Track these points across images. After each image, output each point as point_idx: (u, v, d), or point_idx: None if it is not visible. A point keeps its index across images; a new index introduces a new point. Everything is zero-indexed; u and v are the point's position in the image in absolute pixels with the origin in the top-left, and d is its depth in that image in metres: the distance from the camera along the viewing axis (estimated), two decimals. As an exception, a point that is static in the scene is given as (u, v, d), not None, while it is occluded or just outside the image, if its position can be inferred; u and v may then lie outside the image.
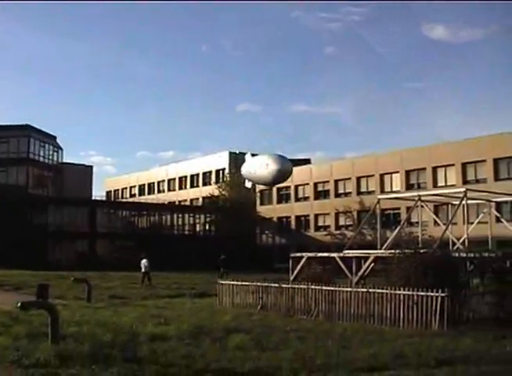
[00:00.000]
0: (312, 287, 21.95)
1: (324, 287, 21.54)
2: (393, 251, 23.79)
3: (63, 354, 12.26)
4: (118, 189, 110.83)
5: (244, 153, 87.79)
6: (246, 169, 61.09)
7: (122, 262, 63.48)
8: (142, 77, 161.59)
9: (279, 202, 79.12)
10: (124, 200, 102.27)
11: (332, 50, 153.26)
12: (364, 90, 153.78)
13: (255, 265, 56.28)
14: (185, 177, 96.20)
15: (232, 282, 25.58)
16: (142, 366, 11.63)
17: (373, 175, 68.04)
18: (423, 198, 31.47)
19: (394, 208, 59.27)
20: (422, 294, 18.44)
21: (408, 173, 64.77)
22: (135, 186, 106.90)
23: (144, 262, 40.20)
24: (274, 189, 77.35)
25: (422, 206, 31.77)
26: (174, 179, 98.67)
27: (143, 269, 40.08)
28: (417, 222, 37.05)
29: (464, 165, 59.32)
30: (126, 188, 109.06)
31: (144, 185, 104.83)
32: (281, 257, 56.86)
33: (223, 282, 25.87)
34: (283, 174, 60.11)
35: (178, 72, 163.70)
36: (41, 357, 12.06)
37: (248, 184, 62.36)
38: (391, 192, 59.91)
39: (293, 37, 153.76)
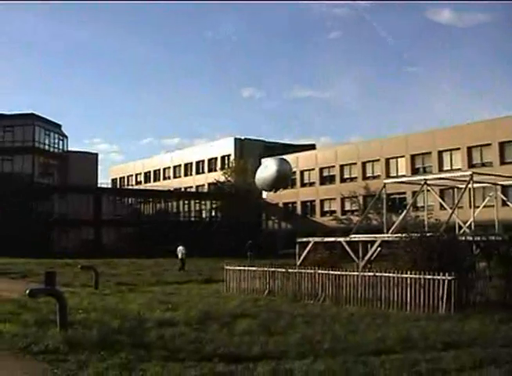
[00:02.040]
0: (319, 271, 21.99)
1: (331, 272, 21.57)
2: (399, 235, 23.81)
3: (71, 340, 12.30)
4: (124, 177, 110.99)
5: (249, 139, 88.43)
6: (257, 176, 62.60)
7: (128, 249, 63.76)
8: (147, 63, 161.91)
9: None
10: (130, 187, 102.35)
11: (336, 35, 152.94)
12: (368, 74, 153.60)
13: (262, 250, 56.27)
14: (191, 163, 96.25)
15: (239, 267, 25.64)
16: (150, 352, 11.68)
17: (378, 160, 68.05)
18: (429, 182, 31.43)
19: (400, 193, 59.31)
20: (429, 277, 18.44)
21: (413, 157, 64.72)
22: (140, 174, 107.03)
23: (181, 248, 41.88)
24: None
25: (428, 190, 31.72)
26: (179, 166, 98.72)
27: (180, 256, 41.69)
28: (423, 206, 37.12)
29: (470, 149, 59.23)
30: (131, 175, 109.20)
31: (149, 172, 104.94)
32: (287, 242, 56.92)
33: (230, 268, 25.91)
34: (282, 175, 61.32)
35: (183, 58, 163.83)
36: (49, 344, 12.10)
37: (264, 194, 63.66)
38: (397, 176, 59.80)
39: (298, 22, 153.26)
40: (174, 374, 9.98)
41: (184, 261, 41.36)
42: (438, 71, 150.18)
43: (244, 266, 25.82)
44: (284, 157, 72.88)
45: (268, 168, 66.29)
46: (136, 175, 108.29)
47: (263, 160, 67.03)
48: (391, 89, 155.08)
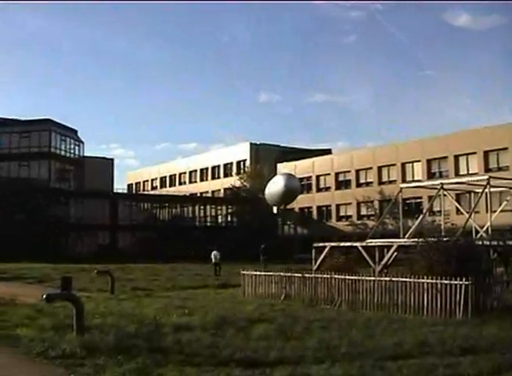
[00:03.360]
0: (335, 276, 21.94)
1: (347, 277, 21.52)
2: (416, 239, 23.73)
3: (88, 345, 12.35)
4: (140, 182, 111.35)
5: (265, 144, 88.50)
6: (266, 191, 63.47)
7: (143, 254, 63.86)
8: (162, 69, 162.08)
9: (300, 193, 79.01)
10: (146, 192, 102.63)
11: (352, 39, 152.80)
12: (384, 78, 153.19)
13: (277, 255, 56.22)
14: (207, 169, 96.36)
15: (256, 272, 25.63)
16: (167, 356, 11.70)
17: (394, 165, 67.79)
18: (445, 186, 31.31)
19: (416, 197, 59.10)
20: (446, 282, 18.35)
21: (429, 162, 64.43)
22: (156, 179, 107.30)
23: (215, 253, 42.31)
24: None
25: (444, 194, 31.61)
26: (195, 171, 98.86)
27: (213, 260, 42.15)
28: (439, 211, 36.98)
29: (486, 153, 58.87)
30: (147, 180, 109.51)
31: (165, 177, 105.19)
32: (303, 247, 56.83)
33: (246, 272, 25.90)
34: (289, 190, 61.99)
35: (199, 63, 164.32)
36: (66, 348, 12.15)
37: (274, 209, 64.44)
38: (413, 181, 59.54)
39: (314, 26, 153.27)
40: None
41: (219, 266, 41.67)
42: (455, 75, 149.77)
43: (261, 271, 25.83)
44: (298, 162, 72.96)
45: (276, 184, 66.64)
46: (152, 180, 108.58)
47: (273, 178, 67.75)
48: (407, 93, 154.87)
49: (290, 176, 68.61)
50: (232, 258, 43.75)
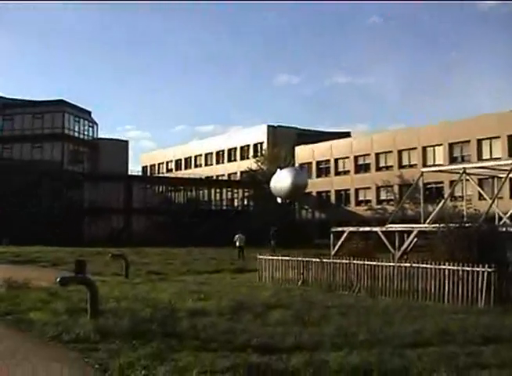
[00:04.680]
0: (354, 261, 21.92)
1: (366, 262, 21.49)
2: (437, 225, 23.63)
3: (102, 329, 12.38)
4: (154, 165, 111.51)
5: (283, 127, 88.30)
6: (272, 184, 63.29)
7: (158, 237, 64.11)
8: (181, 49, 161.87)
9: (318, 176, 78.95)
10: (161, 175, 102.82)
11: (377, 20, 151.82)
12: (407, 60, 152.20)
13: (294, 240, 56.27)
14: (223, 151, 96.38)
15: (273, 257, 25.66)
16: (182, 342, 11.72)
17: (415, 148, 67.49)
18: (468, 171, 31.11)
19: (437, 182, 58.80)
20: (468, 269, 18.25)
21: (451, 146, 64.07)
22: (171, 161, 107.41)
23: (240, 236, 43.01)
24: (313, 162, 77.71)
25: (467, 179, 31.42)
26: (211, 154, 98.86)
27: (238, 244, 42.72)
28: (461, 196, 36.75)
29: (510, 137, 58.44)
30: (162, 163, 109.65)
31: (181, 160, 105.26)
32: (321, 232, 56.91)
33: (263, 257, 25.93)
34: (297, 187, 61.77)
35: (217, 45, 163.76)
36: (80, 332, 12.19)
37: (278, 200, 64.29)
38: (434, 165, 59.27)
39: (338, 6, 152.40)
40: (206, 364, 9.99)
41: (243, 249, 41.97)
42: (480, 58, 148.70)
43: (278, 256, 25.85)
44: (317, 145, 72.37)
45: (282, 179, 66.26)
46: (167, 162, 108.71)
47: (278, 170, 67.14)
48: (431, 76, 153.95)
49: (297, 172, 67.48)
50: (248, 243, 43.74)
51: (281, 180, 64.78)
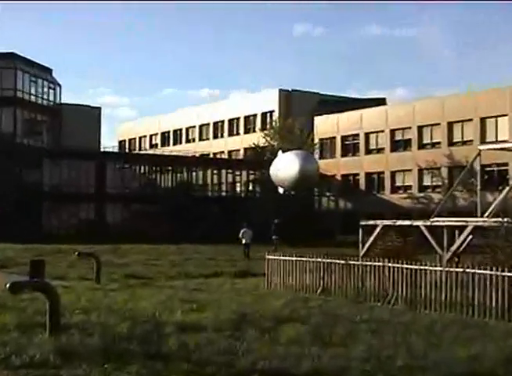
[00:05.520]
0: (390, 264, 21.89)
1: (405, 266, 21.44)
2: (499, 219, 23.55)
3: (65, 350, 12.37)
4: (135, 139, 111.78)
5: (299, 91, 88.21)
6: (272, 171, 62.99)
7: (139, 231, 64.21)
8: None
9: (344, 155, 78.98)
10: (143, 152, 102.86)
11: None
12: (462, 9, 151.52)
13: (313, 235, 56.47)
14: (222, 122, 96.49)
15: (285, 257, 25.65)
16: (169, 365, 11.72)
17: (470, 120, 67.19)
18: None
19: (499, 164, 58.80)
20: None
21: (521, 117, 63.76)
22: (156, 134, 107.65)
23: (246, 231, 43.82)
24: (338, 138, 77.80)
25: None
26: (207, 125, 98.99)
27: (244, 241, 43.38)
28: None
29: None
30: (145, 136, 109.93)
31: (168, 132, 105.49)
32: (345, 226, 57.01)
33: (273, 257, 25.93)
34: (305, 177, 61.45)
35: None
36: (36, 354, 12.12)
37: (280, 190, 64.31)
38: (496, 142, 59.11)
39: None
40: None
41: (249, 247, 42.63)
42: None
43: (292, 256, 25.82)
44: (343, 114, 72.01)
45: (286, 166, 65.66)
46: (151, 136, 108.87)
47: (279, 153, 66.34)
48: (493, 26, 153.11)
49: (306, 158, 66.32)
50: (254, 239, 43.83)
51: (285, 167, 64.42)
